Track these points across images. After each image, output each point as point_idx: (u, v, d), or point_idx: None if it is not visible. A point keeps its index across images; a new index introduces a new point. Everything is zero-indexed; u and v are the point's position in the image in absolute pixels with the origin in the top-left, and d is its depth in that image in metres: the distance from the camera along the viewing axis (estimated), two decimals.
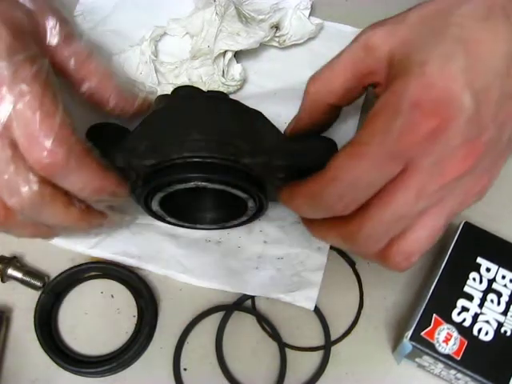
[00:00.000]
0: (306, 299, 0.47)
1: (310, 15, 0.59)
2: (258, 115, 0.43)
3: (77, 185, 0.38)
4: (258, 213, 0.46)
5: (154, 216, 0.47)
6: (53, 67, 0.39)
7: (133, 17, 0.59)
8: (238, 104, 0.43)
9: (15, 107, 0.34)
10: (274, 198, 0.44)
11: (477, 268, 0.44)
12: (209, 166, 0.40)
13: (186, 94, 0.44)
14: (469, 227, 0.45)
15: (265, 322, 0.47)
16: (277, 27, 0.56)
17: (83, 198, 0.40)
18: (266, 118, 0.43)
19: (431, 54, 0.30)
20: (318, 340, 0.47)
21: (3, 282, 0.47)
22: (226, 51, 0.54)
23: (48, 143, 0.35)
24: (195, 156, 0.40)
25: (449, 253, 0.44)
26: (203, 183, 0.40)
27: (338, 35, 0.59)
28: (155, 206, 0.44)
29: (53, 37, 0.41)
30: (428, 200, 0.32)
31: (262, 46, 0.57)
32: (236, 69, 0.55)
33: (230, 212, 0.47)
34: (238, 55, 0.56)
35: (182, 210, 0.47)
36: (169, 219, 0.47)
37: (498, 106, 0.31)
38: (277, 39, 0.57)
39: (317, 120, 0.43)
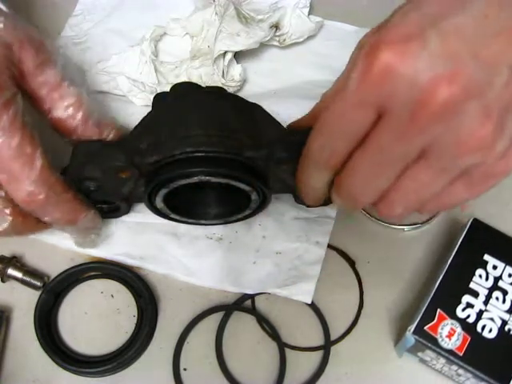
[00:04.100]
0: (303, 293, 0.47)
1: (309, 14, 0.60)
2: (257, 108, 0.43)
3: (54, 217, 0.41)
4: (262, 205, 0.46)
5: (158, 213, 0.46)
6: (24, 94, 0.40)
7: (133, 17, 0.59)
8: (237, 98, 0.44)
9: None
10: (277, 189, 0.44)
11: (483, 265, 0.44)
12: (211, 160, 0.40)
13: (184, 90, 0.44)
14: (477, 224, 0.45)
15: (264, 322, 0.47)
16: (276, 27, 0.56)
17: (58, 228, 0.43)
18: (265, 111, 0.43)
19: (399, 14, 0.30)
20: (318, 340, 0.47)
21: (3, 281, 0.47)
22: (225, 52, 0.54)
23: (30, 187, 0.38)
24: (197, 151, 0.40)
25: (456, 248, 0.44)
26: (206, 177, 0.40)
27: (338, 33, 0.60)
28: (159, 202, 0.44)
29: (26, 65, 0.41)
30: (407, 145, 0.30)
31: (262, 45, 0.57)
32: (236, 69, 0.56)
33: (233, 206, 0.47)
34: (238, 55, 0.56)
35: (186, 207, 0.47)
36: (172, 216, 0.47)
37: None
38: (277, 38, 0.57)
39: None
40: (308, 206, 0.47)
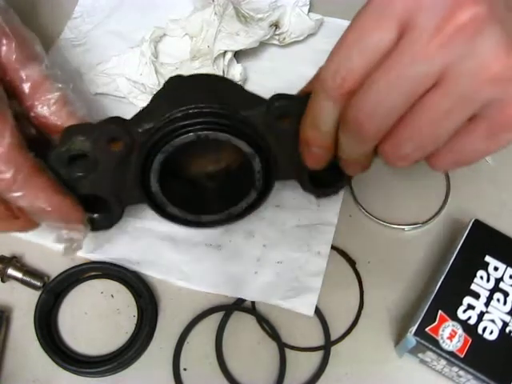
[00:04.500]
0: (306, 305, 0.47)
1: (309, 11, 0.59)
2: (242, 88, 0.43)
3: (23, 203, 0.38)
4: (266, 185, 0.42)
5: (154, 207, 0.42)
6: (4, 85, 0.39)
7: (132, 18, 0.59)
8: (225, 78, 0.44)
9: None
10: (282, 170, 0.42)
11: (485, 266, 0.44)
12: (208, 114, 0.38)
13: (175, 81, 0.43)
14: (478, 225, 0.45)
15: (264, 322, 0.47)
16: (276, 25, 0.56)
17: (36, 219, 0.40)
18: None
19: None
20: (318, 340, 0.47)
21: (3, 281, 0.48)
22: (225, 51, 0.54)
23: None
24: (194, 107, 0.38)
25: (457, 250, 0.44)
26: (204, 132, 0.38)
27: (339, 30, 0.59)
28: (154, 183, 0.41)
29: (7, 56, 0.40)
30: (428, 63, 0.28)
31: (262, 44, 0.57)
32: (236, 69, 0.56)
33: (236, 194, 0.44)
34: (238, 54, 0.56)
35: (184, 201, 0.44)
36: (170, 210, 0.43)
37: None
38: (277, 37, 0.57)
39: None
40: (313, 179, 0.44)
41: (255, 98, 0.40)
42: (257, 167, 0.41)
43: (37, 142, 0.40)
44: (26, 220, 0.40)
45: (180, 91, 0.41)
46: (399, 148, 0.32)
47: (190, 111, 0.38)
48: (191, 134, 0.38)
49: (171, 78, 0.42)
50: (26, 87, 0.41)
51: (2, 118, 0.36)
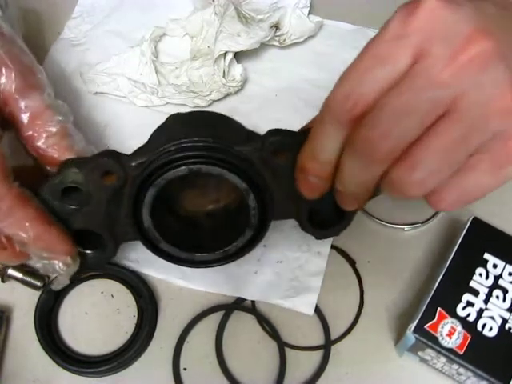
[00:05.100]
0: (306, 305, 0.47)
1: (309, 13, 0.60)
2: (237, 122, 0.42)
3: (8, 231, 0.38)
4: (262, 223, 0.41)
5: (147, 243, 0.41)
6: (4, 115, 0.39)
7: (132, 18, 0.59)
8: (224, 116, 0.42)
9: None
10: (280, 214, 0.41)
11: (484, 264, 0.44)
12: (202, 148, 0.37)
13: (174, 117, 0.42)
14: (477, 223, 0.45)
15: (264, 322, 0.47)
16: (276, 27, 0.56)
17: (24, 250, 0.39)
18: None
19: None
20: (318, 339, 0.47)
21: (3, 281, 0.47)
22: (226, 52, 0.54)
23: None
24: (187, 141, 0.37)
25: (456, 247, 0.44)
26: (197, 166, 0.37)
27: (338, 33, 0.60)
28: (147, 219, 0.40)
29: (6, 86, 0.39)
30: (441, 90, 0.29)
31: (263, 45, 0.57)
32: (237, 69, 0.56)
33: (230, 233, 0.43)
34: (239, 55, 0.56)
35: (179, 238, 0.42)
36: (163, 246, 0.41)
37: None
38: (277, 38, 0.57)
39: None
40: (313, 223, 0.42)
41: (253, 135, 0.39)
42: (252, 203, 0.39)
43: (32, 173, 0.41)
44: (13, 251, 0.39)
45: (176, 126, 0.41)
46: (413, 171, 0.31)
47: (184, 145, 0.37)
48: (183, 167, 0.37)
49: (170, 116, 0.42)
50: (25, 117, 0.40)
51: None
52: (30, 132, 0.40)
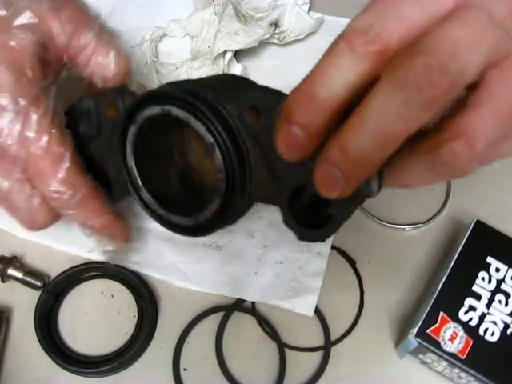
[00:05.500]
0: (306, 306, 0.47)
1: (309, 10, 0.59)
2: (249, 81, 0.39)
3: (77, 219, 0.42)
4: (231, 192, 0.36)
5: (131, 182, 0.41)
6: (63, 55, 0.41)
7: (132, 18, 0.59)
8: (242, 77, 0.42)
9: (27, 156, 0.38)
10: (259, 193, 0.37)
11: (486, 267, 0.43)
12: (189, 93, 0.35)
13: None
14: (480, 226, 0.45)
15: (264, 323, 0.47)
16: (276, 24, 0.56)
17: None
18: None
19: None
20: (318, 340, 0.47)
21: (3, 281, 0.48)
22: (225, 51, 0.54)
23: (56, 185, 0.39)
24: (179, 84, 0.38)
25: (459, 251, 0.44)
26: (167, 107, 0.36)
27: (339, 29, 0.59)
28: (130, 158, 0.40)
29: (60, 37, 0.41)
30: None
31: (262, 43, 0.57)
32: (236, 68, 0.56)
33: (200, 199, 0.40)
34: (238, 54, 0.56)
35: (157, 190, 0.41)
36: (143, 194, 0.41)
37: None
38: (277, 36, 0.57)
39: None
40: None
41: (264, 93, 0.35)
42: (218, 163, 0.35)
43: None
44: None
45: (197, 80, 0.41)
46: (476, 142, 0.26)
47: (168, 87, 0.37)
48: (157, 106, 0.36)
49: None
50: (81, 58, 0.42)
51: (61, 141, 0.39)
52: (85, 69, 0.42)
